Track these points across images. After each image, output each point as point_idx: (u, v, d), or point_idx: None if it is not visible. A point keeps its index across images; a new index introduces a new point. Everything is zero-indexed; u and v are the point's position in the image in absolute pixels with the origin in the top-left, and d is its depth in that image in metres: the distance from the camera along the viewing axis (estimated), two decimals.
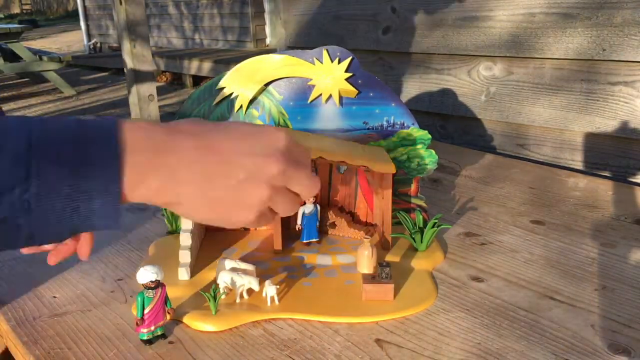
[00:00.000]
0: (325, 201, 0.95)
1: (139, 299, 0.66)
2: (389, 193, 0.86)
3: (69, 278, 0.85)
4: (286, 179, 0.48)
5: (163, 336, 0.69)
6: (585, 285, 0.79)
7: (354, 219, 0.95)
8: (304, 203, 0.88)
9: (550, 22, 1.42)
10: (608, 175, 1.39)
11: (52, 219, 0.39)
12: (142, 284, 0.67)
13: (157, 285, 0.67)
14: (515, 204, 1.09)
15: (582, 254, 0.89)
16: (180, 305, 0.74)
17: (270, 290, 0.74)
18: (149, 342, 0.68)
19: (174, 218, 0.93)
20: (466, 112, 1.66)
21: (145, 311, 0.67)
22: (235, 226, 0.48)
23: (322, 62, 0.87)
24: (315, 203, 0.89)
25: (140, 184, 0.42)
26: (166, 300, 0.68)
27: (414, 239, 0.86)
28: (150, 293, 0.67)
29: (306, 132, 0.90)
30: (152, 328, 0.67)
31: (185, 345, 0.68)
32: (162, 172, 0.43)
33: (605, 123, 1.36)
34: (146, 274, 0.66)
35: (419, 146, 0.91)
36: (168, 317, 0.69)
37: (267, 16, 5.53)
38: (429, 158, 0.92)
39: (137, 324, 0.67)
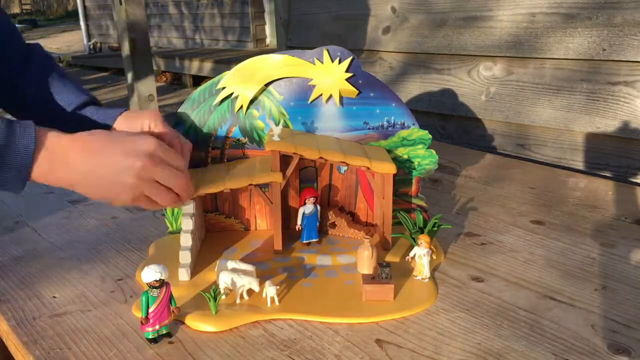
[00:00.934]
0: (325, 201, 0.95)
1: (144, 298, 0.66)
2: (389, 193, 0.86)
3: (69, 278, 0.85)
4: (150, 174, 0.70)
5: (168, 335, 0.69)
6: (585, 285, 0.79)
7: (354, 219, 0.95)
8: (304, 203, 0.88)
9: (550, 22, 1.42)
10: (608, 175, 1.39)
11: None
12: (147, 283, 0.67)
13: (162, 284, 0.67)
14: (515, 204, 1.09)
15: (583, 254, 0.89)
16: (180, 305, 0.74)
17: (270, 290, 0.74)
18: (154, 340, 0.68)
19: (174, 218, 0.93)
20: (466, 112, 1.66)
21: (150, 310, 0.67)
22: (120, 204, 0.73)
23: (322, 62, 0.87)
24: (315, 203, 0.89)
25: (47, 174, 0.68)
26: (171, 299, 0.68)
27: (414, 239, 0.86)
28: (155, 292, 0.67)
29: (307, 132, 0.91)
30: (157, 327, 0.67)
31: (185, 345, 0.68)
32: (65, 169, 0.68)
33: (606, 123, 1.36)
34: (151, 273, 0.66)
35: (419, 146, 0.91)
36: (173, 315, 0.69)
37: (267, 16, 5.53)
38: (429, 158, 0.92)
39: (141, 322, 0.67)
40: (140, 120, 0.82)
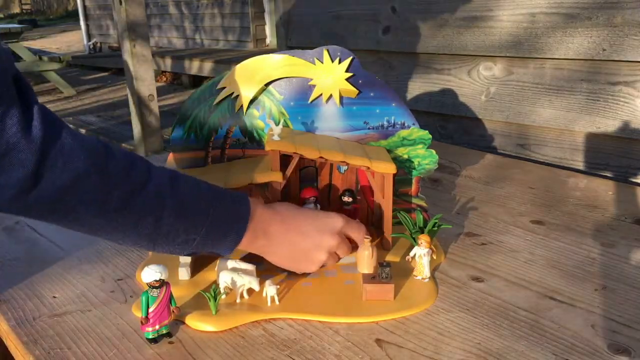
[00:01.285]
0: (325, 201, 0.95)
1: (144, 298, 0.66)
2: (389, 193, 0.86)
3: (69, 278, 0.85)
4: (336, 249, 0.78)
5: (168, 335, 0.69)
6: (585, 285, 0.79)
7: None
8: (304, 203, 0.88)
9: (550, 22, 1.42)
10: (608, 175, 1.39)
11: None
12: (147, 283, 0.67)
13: (162, 284, 0.67)
14: (515, 204, 1.09)
15: (583, 254, 0.89)
16: (180, 305, 0.74)
17: (270, 290, 0.74)
18: (154, 340, 0.68)
19: None
20: (466, 112, 1.66)
21: (150, 310, 0.67)
22: (306, 271, 0.79)
23: (322, 62, 0.87)
24: (315, 203, 0.89)
25: (253, 242, 0.73)
26: (171, 299, 0.68)
27: (414, 239, 0.86)
28: (155, 292, 0.67)
29: (307, 132, 0.90)
30: (157, 327, 0.67)
31: (185, 345, 0.68)
32: (265, 238, 0.74)
33: (606, 123, 1.36)
34: (150, 273, 0.66)
35: (419, 146, 0.91)
36: (173, 315, 0.69)
37: (267, 16, 5.53)
38: (430, 158, 0.92)
39: (141, 322, 0.67)
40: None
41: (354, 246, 0.82)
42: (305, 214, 0.78)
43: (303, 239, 0.76)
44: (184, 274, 0.80)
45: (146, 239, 0.66)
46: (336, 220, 0.78)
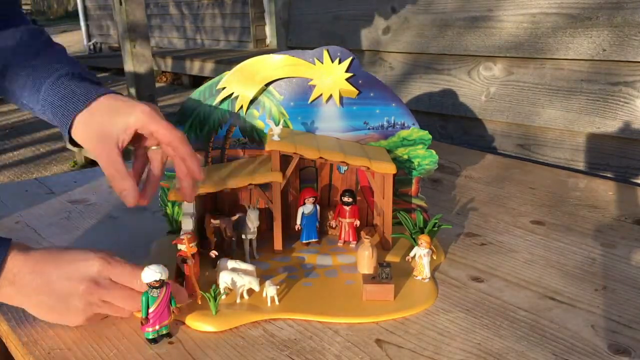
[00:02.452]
0: (325, 201, 0.95)
1: (144, 298, 0.66)
2: (389, 193, 0.86)
3: None
4: (97, 295, 0.68)
5: (168, 335, 0.69)
6: (585, 286, 0.79)
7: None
8: (304, 203, 0.88)
9: (550, 23, 1.42)
10: (608, 175, 1.39)
11: None
12: (147, 283, 0.67)
13: (162, 284, 0.67)
14: (515, 204, 1.09)
15: (583, 254, 0.89)
16: (180, 305, 0.73)
17: (270, 290, 0.74)
18: (154, 340, 0.68)
19: (174, 218, 0.93)
20: (466, 112, 1.66)
21: (150, 310, 0.66)
22: (73, 324, 0.70)
23: (322, 62, 0.87)
24: (315, 203, 0.89)
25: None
26: (171, 299, 0.68)
27: (414, 239, 0.86)
28: (155, 292, 0.67)
29: (307, 132, 0.90)
30: (157, 327, 0.67)
31: (185, 345, 0.68)
32: (12, 288, 0.67)
33: (606, 123, 1.36)
34: (151, 273, 0.66)
35: (419, 146, 0.91)
36: (172, 316, 0.69)
37: (267, 16, 5.53)
38: (430, 158, 0.92)
39: (141, 323, 0.67)
40: (124, 118, 0.72)
41: (131, 292, 0.70)
42: (58, 260, 0.69)
43: (51, 289, 0.67)
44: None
45: None
46: (90, 265, 0.69)
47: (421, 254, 0.79)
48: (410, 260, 0.81)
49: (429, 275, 0.79)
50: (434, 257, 0.81)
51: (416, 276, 0.80)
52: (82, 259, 0.69)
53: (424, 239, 0.79)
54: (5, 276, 0.66)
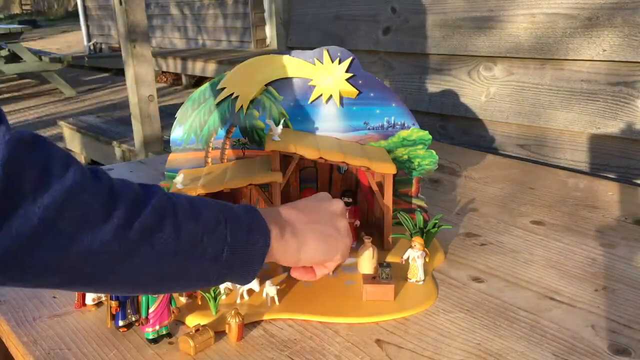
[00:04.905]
0: None
1: (144, 298, 0.66)
2: (389, 193, 0.86)
3: None
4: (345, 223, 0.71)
5: (168, 335, 0.69)
6: (585, 286, 0.79)
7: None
8: None
9: (549, 23, 1.42)
10: (609, 175, 1.39)
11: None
12: None
13: None
14: (515, 205, 1.09)
15: (583, 254, 0.89)
16: (180, 305, 0.74)
17: (270, 290, 0.74)
18: (154, 341, 0.68)
19: None
20: (466, 113, 1.66)
21: (150, 310, 0.67)
22: (335, 262, 0.69)
23: (322, 63, 0.87)
24: None
25: (281, 242, 0.63)
26: (171, 299, 0.68)
27: None
28: None
29: (307, 132, 0.90)
30: (157, 327, 0.67)
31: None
32: (293, 235, 0.65)
33: (606, 123, 1.36)
34: None
35: (419, 146, 0.91)
36: (173, 316, 0.69)
37: (267, 17, 5.53)
38: (430, 158, 0.92)
39: (141, 323, 0.67)
40: None
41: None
42: (308, 199, 0.73)
43: (321, 215, 0.69)
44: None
45: (171, 259, 0.54)
46: (338, 201, 0.74)
47: (414, 256, 0.79)
48: (403, 262, 0.80)
49: (422, 277, 0.79)
50: (427, 260, 0.80)
51: (410, 279, 0.79)
52: (328, 197, 0.74)
53: (417, 241, 0.78)
54: (283, 224, 0.64)
